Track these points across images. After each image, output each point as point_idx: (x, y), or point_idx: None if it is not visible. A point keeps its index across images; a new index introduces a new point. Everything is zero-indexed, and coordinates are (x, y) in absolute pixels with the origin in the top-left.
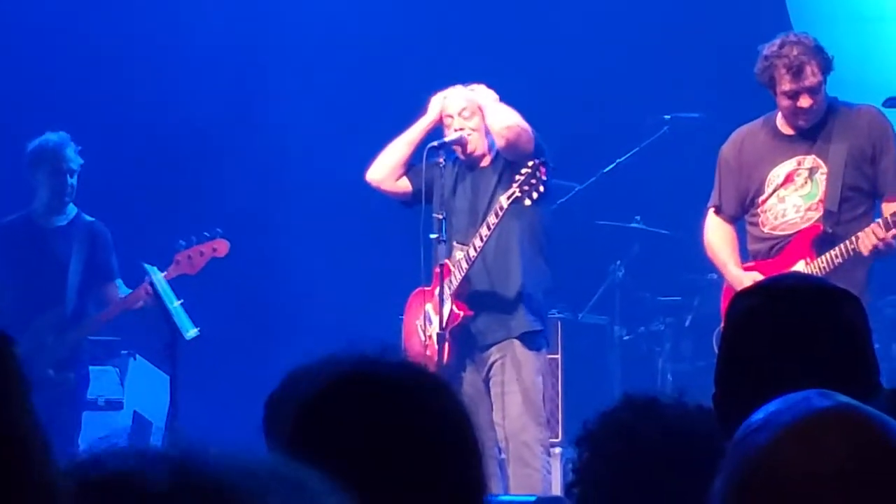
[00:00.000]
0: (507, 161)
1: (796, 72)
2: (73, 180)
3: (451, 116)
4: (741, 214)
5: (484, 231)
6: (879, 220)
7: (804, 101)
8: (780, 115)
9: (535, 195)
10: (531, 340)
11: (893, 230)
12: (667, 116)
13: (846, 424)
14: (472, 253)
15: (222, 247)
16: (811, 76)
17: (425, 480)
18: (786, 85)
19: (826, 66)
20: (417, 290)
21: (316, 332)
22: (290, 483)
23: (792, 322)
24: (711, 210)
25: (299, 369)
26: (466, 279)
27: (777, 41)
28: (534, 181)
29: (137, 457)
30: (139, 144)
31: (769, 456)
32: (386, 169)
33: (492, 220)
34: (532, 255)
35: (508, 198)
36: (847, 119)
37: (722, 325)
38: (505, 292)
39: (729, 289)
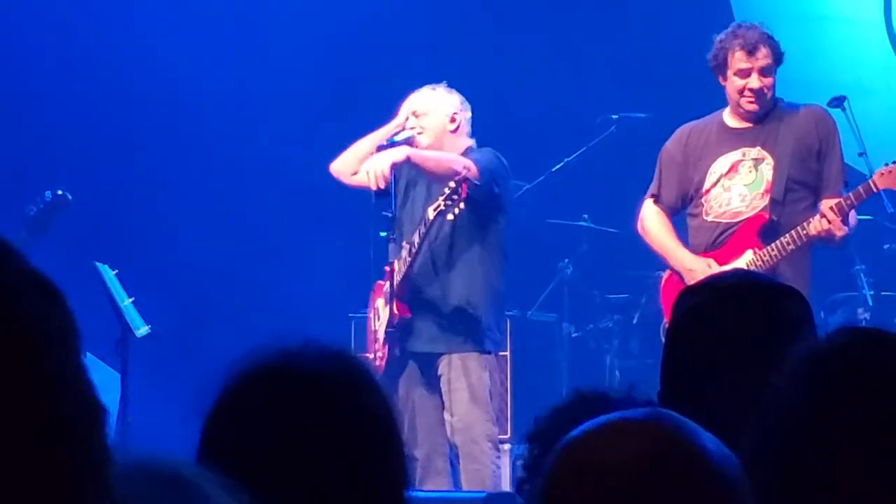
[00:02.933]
0: None
1: (750, 50)
2: None
3: (406, 117)
4: (680, 208)
5: (415, 239)
6: (832, 204)
7: (754, 82)
8: (726, 110)
9: (456, 210)
10: (479, 344)
11: (839, 217)
12: (615, 116)
13: (649, 425)
14: (409, 255)
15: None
16: (765, 57)
17: (338, 477)
18: (740, 62)
19: (777, 54)
20: (377, 284)
21: (267, 329)
22: (183, 487)
23: (737, 320)
24: (650, 199)
25: (233, 364)
26: (408, 280)
27: (732, 26)
28: (455, 197)
29: None
30: (86, 142)
31: (571, 446)
32: (345, 164)
33: (422, 228)
34: (488, 268)
35: (434, 210)
36: (794, 116)
37: (666, 319)
38: (455, 301)
39: (668, 282)
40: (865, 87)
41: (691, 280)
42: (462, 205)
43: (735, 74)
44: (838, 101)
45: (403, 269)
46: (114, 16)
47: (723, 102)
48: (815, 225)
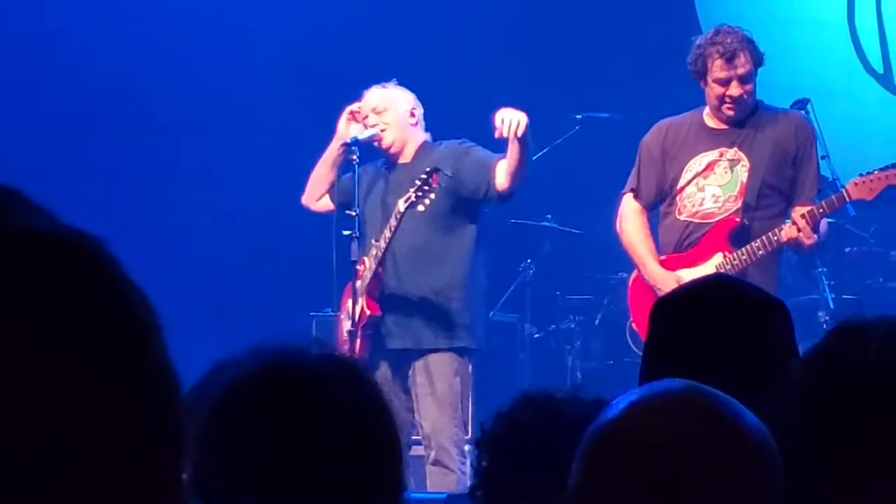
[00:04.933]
0: (429, 159)
1: (729, 58)
2: None
3: (366, 115)
4: (657, 203)
5: (387, 233)
6: (805, 212)
7: (734, 90)
8: (706, 110)
9: (427, 201)
10: (454, 340)
11: (810, 225)
12: (579, 116)
13: (687, 400)
14: (378, 253)
15: None
16: (744, 64)
17: (337, 477)
18: (718, 72)
19: (757, 58)
20: (348, 284)
21: (227, 328)
22: None
23: (718, 336)
24: (630, 194)
25: (222, 362)
26: (378, 278)
27: (711, 31)
28: (426, 188)
29: None
30: (43, 139)
31: (612, 427)
32: (310, 192)
33: (393, 222)
34: (468, 260)
35: (405, 202)
36: (774, 120)
37: (632, 319)
38: (429, 296)
39: (636, 282)
40: (829, 90)
41: (659, 290)
42: (433, 195)
43: (714, 82)
44: (801, 104)
45: (374, 266)
46: (92, 16)
47: (689, 103)
48: (787, 232)
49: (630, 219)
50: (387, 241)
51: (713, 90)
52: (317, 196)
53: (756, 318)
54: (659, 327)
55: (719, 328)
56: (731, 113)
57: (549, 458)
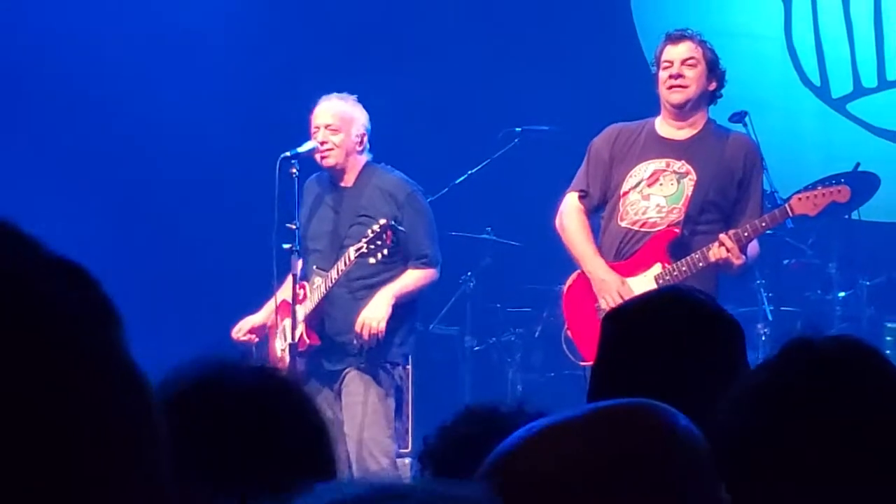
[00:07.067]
0: (371, 185)
1: (675, 40)
2: None
3: (317, 128)
4: (601, 206)
5: (333, 274)
6: (730, 232)
7: (675, 69)
8: (658, 118)
9: (379, 255)
10: (383, 356)
11: (737, 245)
12: (518, 129)
13: (588, 425)
14: (325, 288)
15: None
16: (691, 50)
17: (270, 490)
18: (665, 54)
19: (710, 58)
20: (282, 302)
21: (166, 337)
22: None
23: (670, 350)
24: (576, 194)
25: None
26: (320, 309)
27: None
28: (379, 243)
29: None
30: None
31: (504, 456)
32: None
33: (341, 266)
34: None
35: (356, 251)
36: (724, 140)
37: (567, 327)
38: (361, 318)
39: (572, 288)
40: (766, 103)
41: (601, 290)
42: (385, 251)
43: (662, 68)
44: (739, 116)
45: (317, 300)
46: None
47: (629, 115)
48: (715, 252)
49: (571, 216)
50: (333, 281)
51: (661, 77)
52: None
53: (709, 333)
54: (610, 341)
55: (672, 343)
56: (674, 97)
57: None
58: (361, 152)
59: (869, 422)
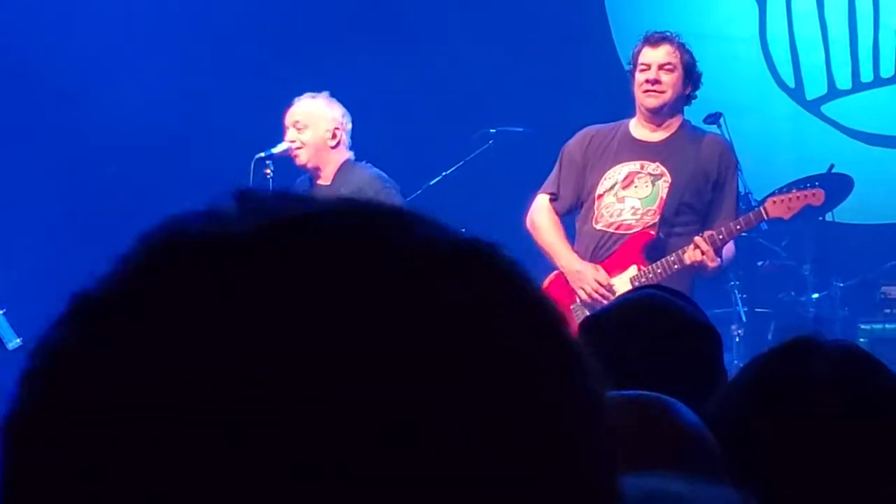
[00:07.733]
0: (346, 183)
1: (653, 42)
2: None
3: (287, 127)
4: (573, 210)
5: None
6: (705, 234)
7: (652, 73)
8: (633, 120)
9: None
10: None
11: (711, 248)
12: (493, 130)
13: None
14: None
15: None
16: (669, 54)
17: None
18: (642, 57)
19: (687, 61)
20: None
21: None
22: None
23: (648, 358)
24: (546, 196)
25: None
26: None
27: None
28: None
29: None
30: None
31: None
32: None
33: None
34: None
35: None
36: (699, 141)
37: None
38: None
39: (550, 287)
40: (740, 104)
41: (577, 280)
42: None
43: (639, 71)
44: (714, 118)
45: None
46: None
47: (603, 116)
48: (690, 255)
49: (542, 213)
50: None
51: (637, 79)
52: None
53: (686, 341)
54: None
55: (648, 352)
56: (650, 101)
57: None
58: (336, 148)
59: (863, 422)
